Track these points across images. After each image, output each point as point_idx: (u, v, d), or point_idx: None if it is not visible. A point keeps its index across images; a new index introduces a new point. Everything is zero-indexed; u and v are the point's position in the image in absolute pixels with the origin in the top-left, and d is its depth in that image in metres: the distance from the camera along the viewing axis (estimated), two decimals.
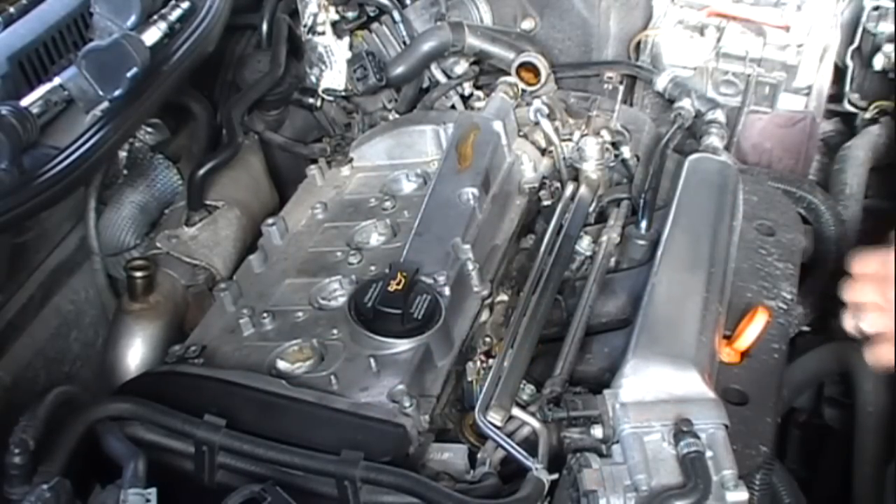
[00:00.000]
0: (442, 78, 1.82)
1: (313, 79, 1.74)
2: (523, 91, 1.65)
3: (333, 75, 1.68)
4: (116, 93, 1.21)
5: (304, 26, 1.66)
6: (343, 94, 1.71)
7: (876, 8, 1.85)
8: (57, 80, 1.23)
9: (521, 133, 1.63)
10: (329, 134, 1.79)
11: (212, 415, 1.08)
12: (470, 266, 1.32)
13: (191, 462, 1.08)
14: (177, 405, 1.10)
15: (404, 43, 1.75)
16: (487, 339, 1.32)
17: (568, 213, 1.48)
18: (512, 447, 1.10)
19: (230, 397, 1.13)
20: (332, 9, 1.67)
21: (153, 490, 0.97)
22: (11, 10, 1.33)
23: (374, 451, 1.05)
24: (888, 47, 1.84)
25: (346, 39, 1.74)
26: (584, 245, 1.47)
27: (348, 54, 1.71)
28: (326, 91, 1.70)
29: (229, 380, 1.16)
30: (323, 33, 1.65)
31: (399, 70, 1.71)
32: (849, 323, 1.12)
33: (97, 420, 1.08)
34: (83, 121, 1.25)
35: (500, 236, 1.46)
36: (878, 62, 1.86)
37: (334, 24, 1.70)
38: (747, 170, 1.64)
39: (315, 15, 1.63)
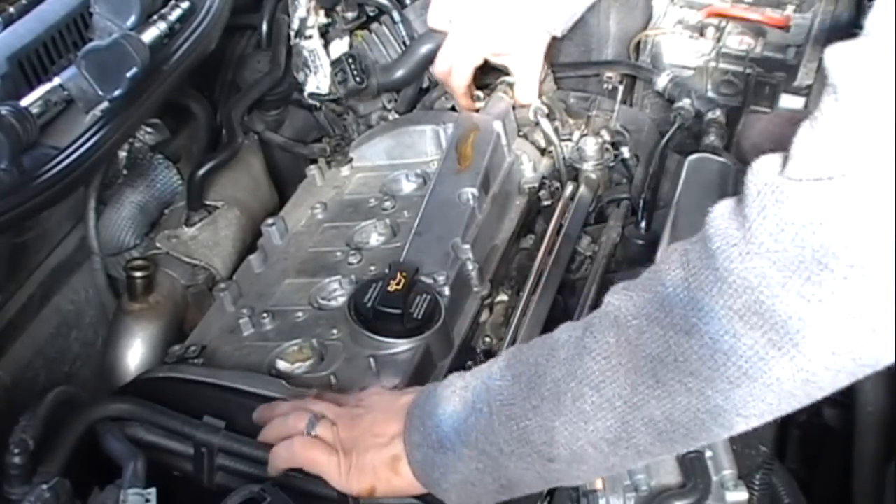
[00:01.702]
0: None
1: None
2: None
3: (319, 79, 1.67)
4: (116, 93, 1.21)
5: (292, 30, 1.65)
6: (329, 97, 1.71)
7: None
8: (57, 80, 1.23)
9: (521, 133, 1.63)
10: (329, 134, 1.79)
11: (211, 415, 1.08)
12: (470, 266, 1.32)
13: (190, 463, 1.08)
14: (176, 406, 1.10)
15: (404, 43, 1.75)
16: (487, 339, 1.31)
17: (568, 213, 1.48)
18: None
19: (229, 398, 1.13)
20: (321, 12, 1.66)
21: (153, 490, 0.97)
22: (11, 10, 1.33)
23: None
24: None
25: (346, 39, 1.74)
26: (584, 245, 1.47)
27: (339, 53, 1.71)
28: (311, 95, 1.70)
29: (229, 381, 1.16)
30: (311, 37, 1.65)
31: (398, 74, 1.71)
32: None
33: (97, 420, 1.08)
34: (83, 121, 1.25)
35: (500, 236, 1.45)
36: None
37: (326, 28, 1.70)
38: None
39: (303, 19, 1.63)
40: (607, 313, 0.89)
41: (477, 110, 1.63)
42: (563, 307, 1.36)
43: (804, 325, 0.76)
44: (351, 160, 1.60)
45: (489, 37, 1.58)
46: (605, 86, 1.74)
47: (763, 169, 0.79)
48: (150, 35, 1.30)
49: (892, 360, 0.79)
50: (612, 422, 0.86)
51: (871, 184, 0.74)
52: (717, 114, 1.66)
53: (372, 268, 1.35)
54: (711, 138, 1.60)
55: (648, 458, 0.89)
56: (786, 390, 0.80)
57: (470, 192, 1.41)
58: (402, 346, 1.19)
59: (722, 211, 0.81)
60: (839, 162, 0.75)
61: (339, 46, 1.73)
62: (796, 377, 0.79)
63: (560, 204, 1.50)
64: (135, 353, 1.37)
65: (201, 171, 1.53)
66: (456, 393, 0.96)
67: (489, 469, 0.92)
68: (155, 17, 1.34)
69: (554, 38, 1.62)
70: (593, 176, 1.57)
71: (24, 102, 1.19)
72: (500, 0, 1.57)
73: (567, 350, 0.90)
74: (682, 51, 1.83)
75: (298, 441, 1.02)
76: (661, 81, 1.73)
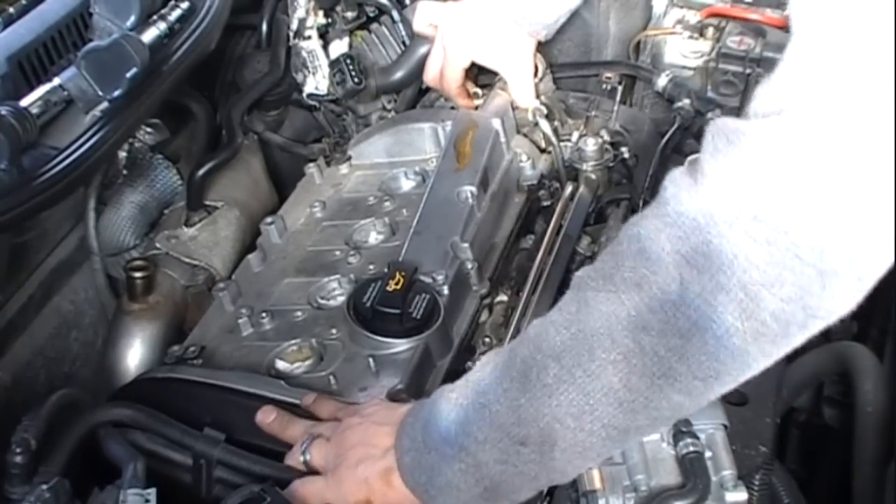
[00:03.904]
0: None
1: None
2: None
3: (317, 80, 1.68)
4: (116, 93, 1.21)
5: (291, 31, 1.66)
6: (328, 98, 1.71)
7: None
8: (56, 81, 1.23)
9: (521, 133, 1.62)
10: (328, 134, 1.79)
11: (210, 420, 1.08)
12: (469, 265, 1.32)
13: (188, 474, 1.07)
14: (175, 407, 1.10)
15: (404, 43, 1.75)
16: (487, 340, 1.31)
17: (568, 213, 1.48)
18: None
19: (229, 399, 1.13)
20: (320, 13, 1.66)
21: (153, 490, 0.97)
22: (11, 10, 1.33)
23: None
24: None
25: (346, 40, 1.74)
26: (584, 245, 1.46)
27: (339, 53, 1.71)
28: (310, 96, 1.70)
29: (228, 382, 1.16)
30: (309, 38, 1.65)
31: (397, 75, 1.71)
32: None
33: (99, 423, 1.08)
34: (83, 121, 1.25)
35: (499, 234, 1.45)
36: None
37: (326, 28, 1.70)
38: None
39: (302, 20, 1.63)
40: (573, 286, 0.89)
41: (476, 108, 1.63)
42: None
43: (751, 265, 0.73)
44: (349, 158, 1.60)
45: (473, 41, 1.58)
46: (605, 86, 1.74)
47: (721, 119, 0.79)
48: (149, 35, 1.30)
49: (846, 311, 0.76)
50: (574, 394, 0.84)
51: (819, 117, 0.71)
52: (717, 114, 1.65)
53: (371, 267, 1.35)
54: None
55: (616, 435, 0.86)
56: (737, 346, 0.77)
57: (469, 190, 1.41)
58: (401, 346, 1.19)
59: (681, 168, 0.81)
60: (789, 96, 0.73)
61: (339, 47, 1.73)
62: (746, 327, 0.76)
63: (560, 204, 1.50)
64: (134, 354, 1.38)
65: (201, 172, 1.54)
66: (444, 396, 0.97)
67: (471, 469, 0.92)
68: (155, 17, 1.34)
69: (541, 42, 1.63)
70: (593, 176, 1.57)
71: (24, 102, 1.19)
72: (482, 5, 1.57)
73: (535, 328, 0.90)
74: (682, 51, 1.83)
75: (291, 488, 1.02)
76: (661, 81, 1.73)
